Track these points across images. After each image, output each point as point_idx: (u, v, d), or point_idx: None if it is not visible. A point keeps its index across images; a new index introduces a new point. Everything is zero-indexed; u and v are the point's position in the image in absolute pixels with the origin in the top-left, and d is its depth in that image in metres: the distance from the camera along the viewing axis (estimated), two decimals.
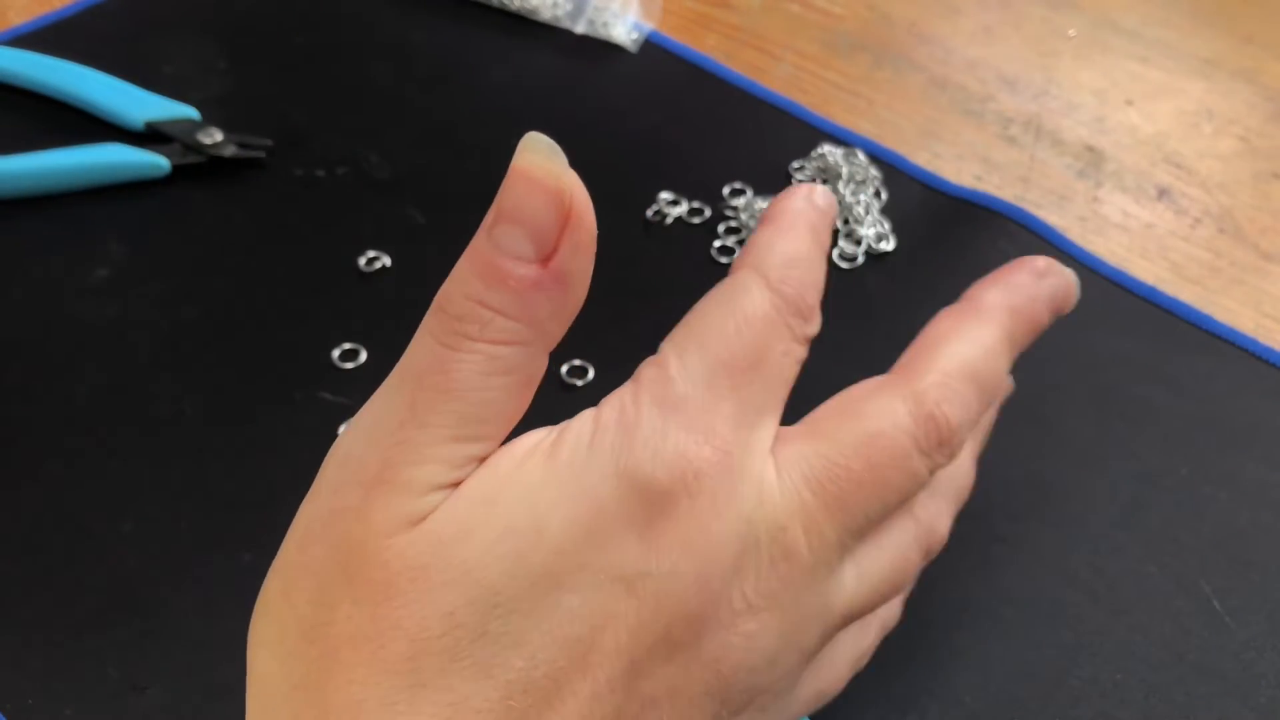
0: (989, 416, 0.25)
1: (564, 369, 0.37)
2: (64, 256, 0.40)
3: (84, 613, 0.31)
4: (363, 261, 0.41)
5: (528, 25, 0.52)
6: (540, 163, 0.18)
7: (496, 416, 0.19)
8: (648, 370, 0.20)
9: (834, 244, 0.42)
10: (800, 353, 0.21)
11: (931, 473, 0.21)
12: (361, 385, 0.37)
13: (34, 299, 0.39)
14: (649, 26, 0.52)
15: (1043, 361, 0.38)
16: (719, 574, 0.18)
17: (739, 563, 0.18)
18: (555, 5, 0.52)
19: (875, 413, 0.20)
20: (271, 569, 0.20)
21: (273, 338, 0.38)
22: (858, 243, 0.42)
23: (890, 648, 0.31)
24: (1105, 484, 0.35)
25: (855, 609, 0.21)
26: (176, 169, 0.43)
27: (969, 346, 0.21)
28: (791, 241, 0.22)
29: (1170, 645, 0.31)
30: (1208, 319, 0.40)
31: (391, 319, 0.39)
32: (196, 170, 0.44)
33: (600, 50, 0.51)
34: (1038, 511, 0.34)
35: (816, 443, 0.20)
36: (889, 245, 0.42)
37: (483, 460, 0.19)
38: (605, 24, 0.51)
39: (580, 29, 0.51)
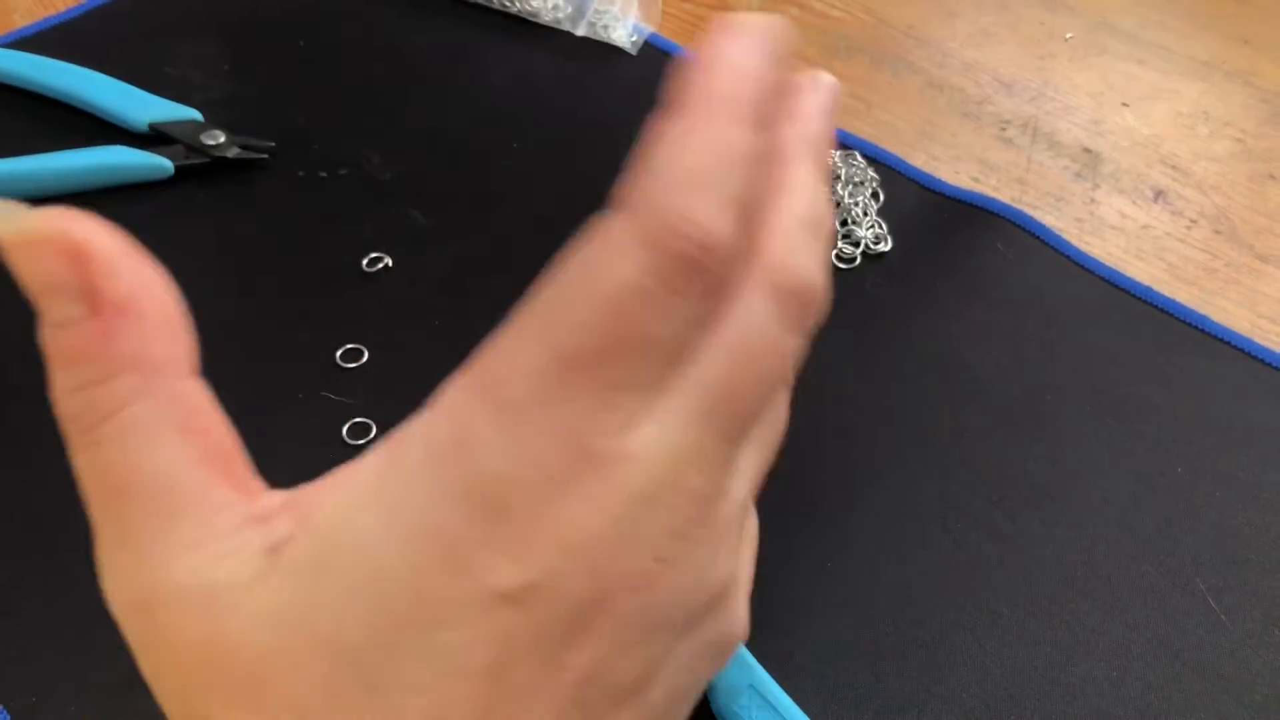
0: (823, 131, 0.21)
1: None
2: None
3: (87, 610, 0.31)
4: (365, 262, 0.41)
5: (528, 27, 0.52)
6: (13, 228, 0.16)
7: (191, 466, 0.17)
8: (485, 362, 0.17)
9: (833, 245, 0.42)
10: (701, 310, 0.16)
11: (806, 338, 0.19)
12: (364, 385, 0.37)
13: None
14: (649, 29, 0.52)
15: (1040, 362, 0.38)
16: (611, 556, 0.16)
17: (633, 532, 0.17)
18: (555, 8, 0.52)
19: (732, 315, 0.17)
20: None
21: (275, 338, 0.38)
22: (855, 244, 0.42)
23: (889, 647, 0.31)
24: (1102, 483, 0.35)
25: (756, 484, 0.20)
26: (180, 170, 0.44)
27: (796, 199, 0.18)
28: (693, 148, 0.15)
29: (1166, 643, 0.31)
30: (1204, 319, 0.40)
31: (394, 319, 0.39)
32: (199, 172, 0.44)
33: (600, 52, 0.51)
34: (1035, 510, 0.34)
35: (685, 374, 0.17)
36: (886, 246, 0.42)
37: (234, 502, 0.17)
38: (605, 26, 0.52)
39: (580, 31, 0.52)
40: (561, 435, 0.16)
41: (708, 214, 0.15)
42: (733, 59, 0.16)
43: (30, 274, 0.16)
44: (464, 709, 0.16)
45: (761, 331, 0.17)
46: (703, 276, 0.16)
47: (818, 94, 0.20)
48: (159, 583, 0.17)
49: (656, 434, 0.17)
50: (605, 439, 0.16)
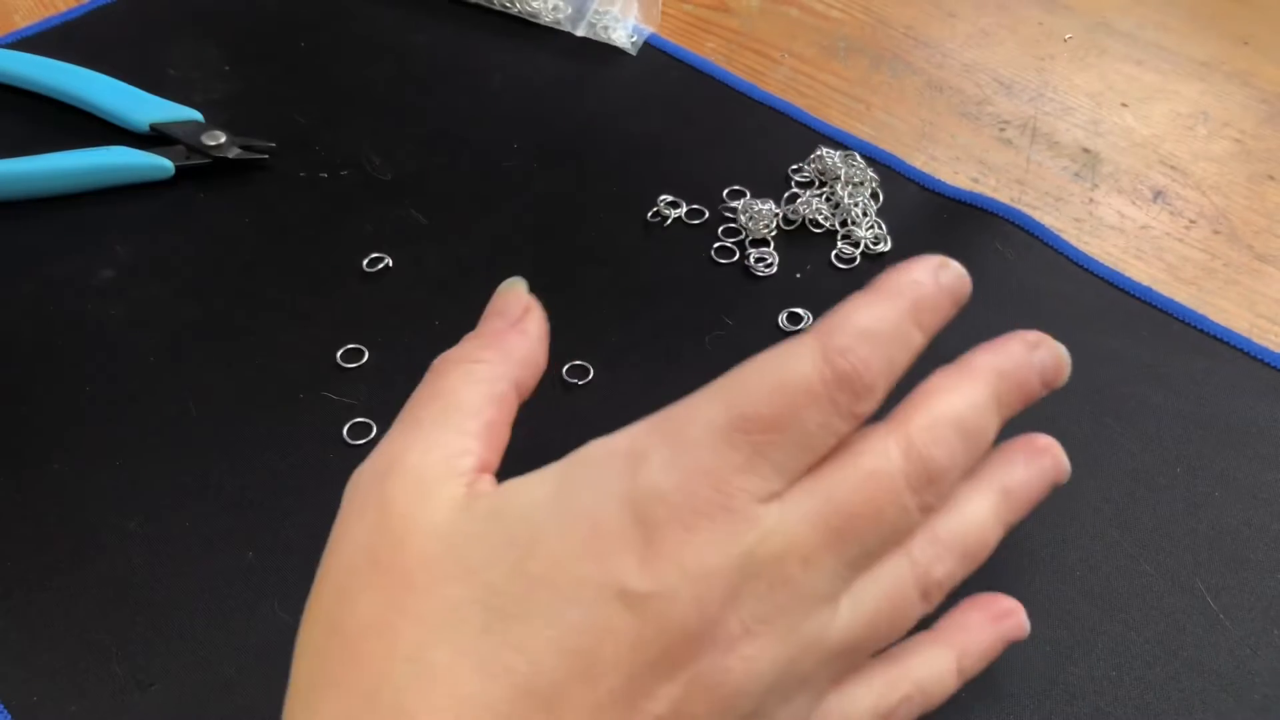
0: (1027, 490, 0.25)
1: (565, 369, 0.37)
2: (69, 257, 0.41)
3: (89, 610, 0.31)
4: (365, 262, 0.41)
5: (528, 28, 0.52)
6: (516, 287, 0.26)
7: (476, 412, 0.23)
8: (674, 409, 0.21)
9: (833, 246, 0.43)
10: (842, 428, 0.21)
11: (922, 511, 0.22)
12: (364, 385, 0.37)
13: (40, 299, 0.39)
14: (648, 30, 0.52)
15: None
16: (716, 599, 0.19)
17: (737, 590, 0.19)
18: (556, 8, 0.52)
19: (870, 452, 0.21)
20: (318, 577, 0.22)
21: (276, 338, 0.38)
22: (855, 244, 0.42)
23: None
24: (1100, 482, 0.35)
25: (851, 642, 0.22)
26: (180, 171, 0.44)
27: (957, 399, 0.22)
28: (876, 313, 0.21)
29: (1165, 643, 0.31)
30: (1203, 319, 0.40)
31: (394, 319, 0.39)
32: (200, 172, 0.44)
33: (600, 53, 0.51)
34: (1033, 509, 0.34)
35: (818, 481, 0.21)
36: (886, 246, 0.42)
37: (478, 455, 0.22)
38: (605, 27, 0.52)
39: (580, 32, 0.52)
40: (715, 478, 0.19)
41: (872, 358, 0.21)
42: (923, 281, 0.22)
43: (499, 301, 0.26)
44: (547, 688, 0.18)
45: (887, 475, 0.21)
46: (855, 398, 0.20)
47: (1031, 350, 0.24)
48: (411, 456, 0.22)
49: (779, 515, 0.20)
50: (744, 499, 0.19)
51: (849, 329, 0.21)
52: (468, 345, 0.24)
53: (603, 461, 0.20)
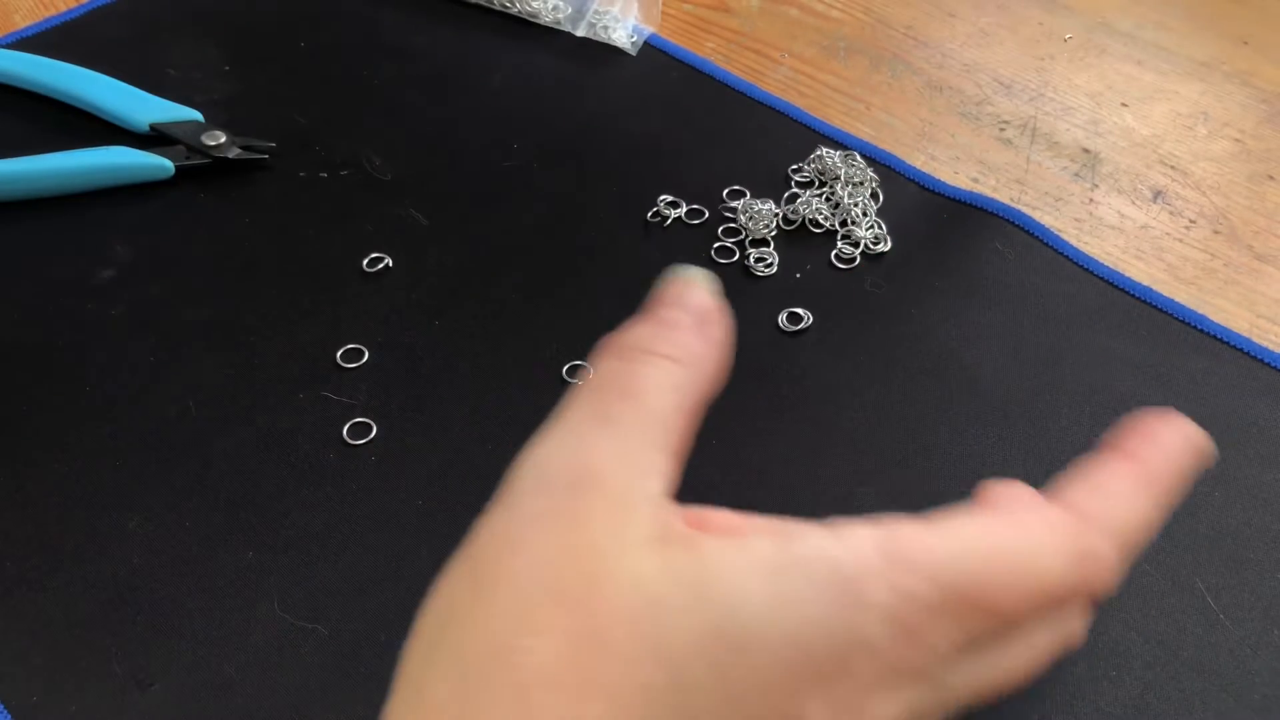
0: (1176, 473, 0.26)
1: (565, 369, 0.37)
2: (69, 258, 0.41)
3: (89, 610, 0.31)
4: (365, 262, 0.41)
5: (528, 28, 0.52)
6: (696, 278, 0.24)
7: (670, 426, 0.21)
8: (905, 532, 0.20)
9: (833, 246, 0.43)
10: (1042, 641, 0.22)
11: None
12: (365, 385, 0.37)
13: (40, 299, 0.39)
14: (648, 30, 0.52)
15: (1039, 361, 0.39)
16: None
17: None
18: (556, 9, 0.52)
19: (1035, 635, 0.22)
20: (459, 563, 0.20)
21: (276, 338, 0.38)
22: (855, 244, 0.42)
23: None
24: None
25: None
26: (180, 171, 0.44)
27: (1134, 513, 0.23)
28: (1137, 508, 0.22)
29: (1165, 643, 0.31)
30: (1203, 319, 0.40)
31: (394, 319, 0.39)
32: (200, 172, 0.44)
33: (600, 53, 0.51)
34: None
35: (994, 651, 0.21)
36: (886, 246, 0.42)
37: (667, 478, 0.21)
38: (605, 27, 0.52)
39: (580, 32, 0.52)
40: (925, 648, 0.19)
41: (1116, 569, 0.21)
42: (1179, 448, 0.23)
43: (677, 298, 0.24)
44: None
45: (1040, 657, 0.22)
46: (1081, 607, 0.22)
47: (1192, 455, 0.25)
48: (605, 465, 0.20)
49: (951, 678, 0.20)
50: (938, 665, 0.20)
51: (1109, 527, 0.22)
52: (647, 333, 0.22)
53: (823, 582, 0.19)
